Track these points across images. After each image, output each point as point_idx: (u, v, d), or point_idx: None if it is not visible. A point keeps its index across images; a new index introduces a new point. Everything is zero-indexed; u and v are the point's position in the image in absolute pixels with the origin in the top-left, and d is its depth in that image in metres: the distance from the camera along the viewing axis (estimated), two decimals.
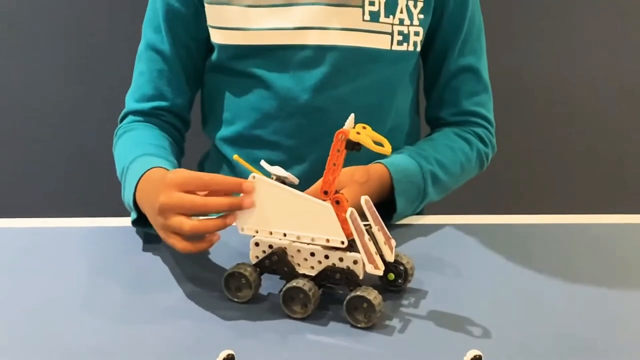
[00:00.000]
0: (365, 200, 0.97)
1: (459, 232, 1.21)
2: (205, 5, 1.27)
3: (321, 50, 1.25)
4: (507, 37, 1.90)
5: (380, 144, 0.91)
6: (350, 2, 1.24)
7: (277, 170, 0.96)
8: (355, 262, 0.95)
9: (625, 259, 1.15)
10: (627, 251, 1.17)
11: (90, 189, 2.02)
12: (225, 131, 1.34)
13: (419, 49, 1.29)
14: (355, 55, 1.26)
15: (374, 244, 0.96)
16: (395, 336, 0.93)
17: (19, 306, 0.98)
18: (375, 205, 0.99)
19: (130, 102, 1.33)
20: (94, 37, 1.93)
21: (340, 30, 1.24)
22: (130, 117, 1.32)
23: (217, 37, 1.27)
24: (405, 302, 1.01)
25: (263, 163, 0.96)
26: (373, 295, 0.93)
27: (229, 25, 1.26)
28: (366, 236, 0.94)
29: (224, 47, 1.28)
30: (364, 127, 0.92)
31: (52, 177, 2.04)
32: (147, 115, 1.31)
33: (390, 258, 0.98)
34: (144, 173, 1.07)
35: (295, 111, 1.27)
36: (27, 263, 1.09)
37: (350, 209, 0.92)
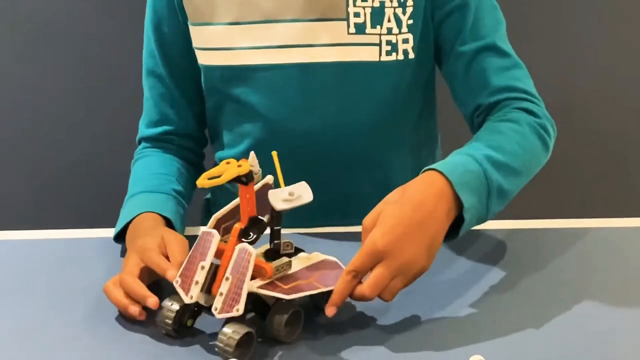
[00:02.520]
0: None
1: (466, 236, 1.11)
2: (190, 26, 1.26)
3: (307, 69, 1.22)
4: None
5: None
6: (334, 15, 1.20)
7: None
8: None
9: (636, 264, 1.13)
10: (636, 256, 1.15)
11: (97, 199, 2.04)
12: (223, 153, 1.33)
13: (411, 56, 1.23)
14: (342, 71, 1.22)
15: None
16: (397, 342, 0.93)
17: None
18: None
19: (142, 128, 1.35)
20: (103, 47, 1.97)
21: (325, 46, 1.21)
22: (143, 144, 1.34)
23: (202, 59, 1.26)
24: (407, 307, 1.00)
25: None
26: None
27: (212, 45, 1.25)
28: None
29: (209, 69, 1.26)
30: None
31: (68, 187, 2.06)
32: (157, 141, 1.33)
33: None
34: (132, 219, 1.14)
35: (285, 135, 1.24)
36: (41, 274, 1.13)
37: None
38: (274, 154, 0.95)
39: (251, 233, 0.94)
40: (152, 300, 0.97)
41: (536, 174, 1.17)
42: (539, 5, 1.98)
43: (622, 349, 0.92)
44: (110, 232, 1.17)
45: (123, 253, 1.14)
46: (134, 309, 0.97)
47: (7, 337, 0.97)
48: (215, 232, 0.94)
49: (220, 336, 0.91)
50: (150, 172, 1.27)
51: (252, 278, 0.92)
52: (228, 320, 0.92)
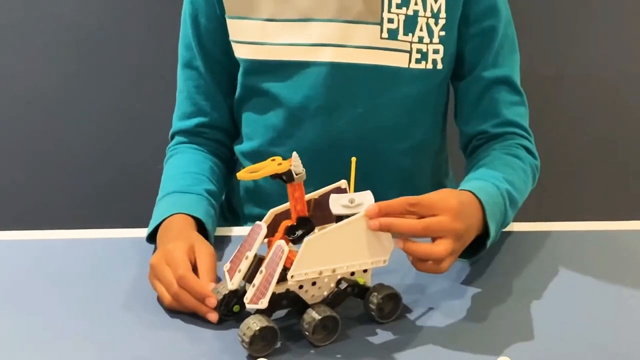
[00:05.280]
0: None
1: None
2: (227, 19, 1.29)
3: (337, 68, 1.24)
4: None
5: None
6: (369, 19, 1.23)
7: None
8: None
9: None
10: None
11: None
12: (244, 146, 1.35)
13: (439, 66, 1.25)
14: (371, 74, 1.24)
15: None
16: (424, 344, 0.96)
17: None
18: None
19: (175, 122, 1.37)
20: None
21: (357, 48, 1.23)
22: (177, 138, 1.36)
23: (238, 51, 1.29)
24: (432, 310, 1.03)
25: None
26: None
27: (247, 39, 1.27)
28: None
29: (242, 61, 1.29)
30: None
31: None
32: (191, 135, 1.35)
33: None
34: (164, 220, 1.16)
35: (309, 130, 1.27)
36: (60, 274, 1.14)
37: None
38: (353, 160, 0.98)
39: (297, 231, 0.97)
40: (212, 301, 1.00)
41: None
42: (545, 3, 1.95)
43: None
44: (142, 232, 1.20)
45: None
46: (214, 317, 1.00)
47: (39, 335, 1.00)
48: (264, 225, 0.97)
49: (241, 326, 0.93)
50: (183, 171, 1.28)
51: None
52: (256, 312, 0.95)
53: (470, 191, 1.09)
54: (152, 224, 1.18)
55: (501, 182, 1.16)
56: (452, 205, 1.01)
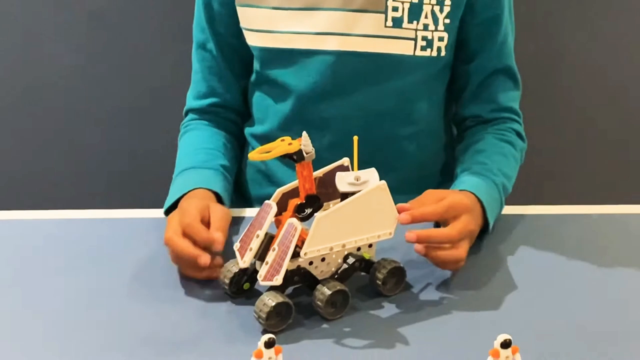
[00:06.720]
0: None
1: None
2: (237, 7, 1.31)
3: (342, 56, 1.26)
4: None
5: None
6: (373, 7, 1.25)
7: None
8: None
9: None
10: None
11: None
12: (255, 129, 1.39)
13: (443, 54, 1.28)
14: (376, 62, 1.26)
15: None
16: (428, 317, 1.01)
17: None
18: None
19: (190, 100, 1.41)
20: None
21: (362, 36, 1.25)
22: (190, 115, 1.40)
23: (249, 39, 1.32)
24: (434, 284, 1.07)
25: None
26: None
27: (256, 27, 1.30)
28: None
29: (253, 49, 1.32)
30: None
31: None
32: (204, 113, 1.39)
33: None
34: (183, 196, 1.18)
35: (315, 116, 1.30)
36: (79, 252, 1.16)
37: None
38: (355, 138, 1.00)
39: (307, 209, 1.00)
40: (218, 245, 1.03)
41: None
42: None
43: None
44: (152, 213, 1.23)
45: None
46: (205, 259, 1.02)
47: (57, 315, 1.01)
48: (274, 204, 1.00)
49: (257, 302, 0.96)
50: (198, 147, 1.32)
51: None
52: (270, 289, 0.98)
53: (471, 192, 1.16)
54: (171, 199, 1.20)
55: (497, 175, 1.23)
56: (466, 206, 1.11)
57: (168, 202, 1.20)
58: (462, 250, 1.07)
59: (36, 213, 1.27)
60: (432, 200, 1.09)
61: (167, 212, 1.19)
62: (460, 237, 1.07)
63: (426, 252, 1.05)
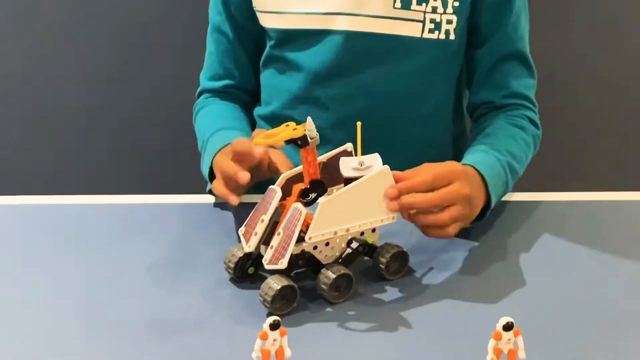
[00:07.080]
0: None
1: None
2: None
3: (351, 36, 1.27)
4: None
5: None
6: None
7: None
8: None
9: None
10: None
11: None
12: (262, 109, 1.41)
13: (452, 37, 1.28)
14: (384, 43, 1.27)
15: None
16: (431, 301, 1.02)
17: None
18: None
19: (204, 81, 1.43)
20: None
21: (370, 17, 1.26)
22: (205, 95, 1.43)
23: (262, 20, 1.34)
24: (436, 269, 1.09)
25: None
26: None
27: (266, 8, 1.32)
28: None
29: (268, 30, 1.34)
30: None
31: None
32: (219, 93, 1.42)
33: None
34: (220, 148, 1.20)
35: (322, 95, 1.31)
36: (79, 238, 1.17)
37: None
38: (359, 124, 1.01)
39: (311, 194, 1.00)
40: (242, 175, 1.08)
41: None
42: None
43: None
44: (158, 199, 1.26)
45: (176, 221, 1.21)
46: (234, 199, 1.10)
47: (63, 299, 1.02)
48: (278, 189, 1.01)
49: (262, 286, 0.97)
50: (220, 116, 1.36)
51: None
52: (274, 273, 0.99)
53: (472, 166, 1.14)
54: (209, 156, 1.22)
55: (503, 154, 1.21)
56: (460, 172, 1.08)
57: (207, 159, 1.22)
58: (446, 215, 1.05)
59: (44, 198, 1.28)
60: (426, 170, 1.07)
61: (209, 174, 1.22)
62: (443, 201, 1.05)
63: (410, 217, 1.04)
